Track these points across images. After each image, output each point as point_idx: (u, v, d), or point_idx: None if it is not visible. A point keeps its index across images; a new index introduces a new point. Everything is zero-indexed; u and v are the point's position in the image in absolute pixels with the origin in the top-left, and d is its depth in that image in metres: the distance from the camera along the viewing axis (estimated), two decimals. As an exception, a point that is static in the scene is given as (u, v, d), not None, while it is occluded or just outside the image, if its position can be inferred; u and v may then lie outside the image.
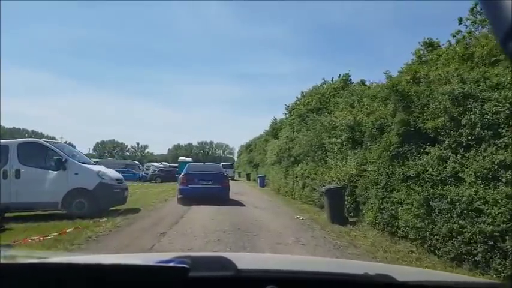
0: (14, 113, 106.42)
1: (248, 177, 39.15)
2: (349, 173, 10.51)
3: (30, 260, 1.31)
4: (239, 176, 49.87)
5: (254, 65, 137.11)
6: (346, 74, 16.65)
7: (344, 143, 11.44)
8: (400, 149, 7.97)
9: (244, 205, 13.98)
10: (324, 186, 11.99)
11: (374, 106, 10.43)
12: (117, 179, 10.90)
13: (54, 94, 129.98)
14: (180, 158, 32.73)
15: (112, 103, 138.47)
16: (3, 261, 1.10)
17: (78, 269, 1.04)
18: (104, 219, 9.12)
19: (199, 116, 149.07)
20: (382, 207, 8.55)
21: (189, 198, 13.00)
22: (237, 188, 24.01)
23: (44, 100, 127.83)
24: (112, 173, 11.17)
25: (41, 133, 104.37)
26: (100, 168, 10.74)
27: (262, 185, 27.37)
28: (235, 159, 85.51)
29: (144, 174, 36.96)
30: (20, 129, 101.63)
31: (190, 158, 32.59)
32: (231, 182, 32.75)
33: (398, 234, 7.89)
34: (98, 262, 1.18)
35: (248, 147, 43.43)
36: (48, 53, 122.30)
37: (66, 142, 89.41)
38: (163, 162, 67.67)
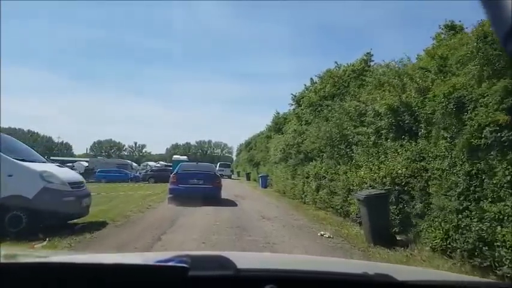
0: (12, 113, 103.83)
1: (248, 177, 36.02)
2: (394, 172, 7.45)
3: (31, 259, 1.31)
4: (238, 176, 46.87)
5: (254, 64, 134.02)
6: (368, 53, 13.60)
7: (383, 133, 8.37)
8: (500, 134, 4.90)
9: (247, 213, 10.92)
10: (353, 190, 8.95)
11: (427, 81, 7.40)
12: (73, 183, 7.76)
13: (52, 94, 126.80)
14: (175, 156, 29.29)
15: (110, 103, 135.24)
16: (3, 260, 1.09)
17: (78, 269, 1.03)
18: (41, 244, 6.03)
19: (197, 115, 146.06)
20: (461, 224, 5.50)
21: (180, 198, 12.13)
22: (237, 189, 20.99)
23: (42, 100, 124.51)
24: (66, 174, 8.03)
25: (37, 133, 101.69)
26: (46, 167, 7.58)
27: (265, 185, 24.29)
28: (234, 158, 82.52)
29: (136, 174, 33.77)
30: (15, 128, 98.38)
31: (185, 157, 29.29)
32: (229, 181, 29.66)
33: (498, 273, 4.83)
34: (98, 262, 1.20)
35: (248, 145, 40.31)
36: (47, 53, 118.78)
37: (62, 142, 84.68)
38: (161, 162, 64.58)
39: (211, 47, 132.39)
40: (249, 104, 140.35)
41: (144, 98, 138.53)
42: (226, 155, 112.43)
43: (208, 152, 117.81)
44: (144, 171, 34.12)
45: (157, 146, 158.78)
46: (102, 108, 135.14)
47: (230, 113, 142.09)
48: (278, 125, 23.97)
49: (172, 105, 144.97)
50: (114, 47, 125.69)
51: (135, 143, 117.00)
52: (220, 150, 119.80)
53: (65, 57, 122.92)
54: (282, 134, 20.74)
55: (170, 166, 33.81)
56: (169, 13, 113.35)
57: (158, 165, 44.35)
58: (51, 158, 63.24)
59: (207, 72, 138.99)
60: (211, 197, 12.62)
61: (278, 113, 25.52)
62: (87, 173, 34.79)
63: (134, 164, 54.92)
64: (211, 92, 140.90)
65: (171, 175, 13.99)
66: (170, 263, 1.13)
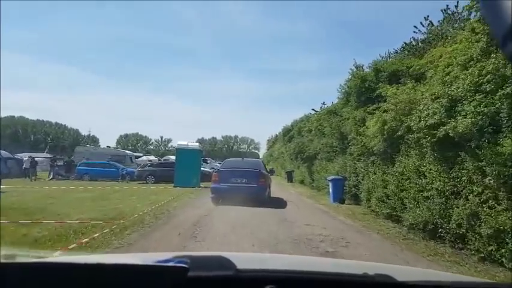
0: (45, 107, 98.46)
1: (290, 178, 23.44)
2: None
3: (31, 259, 1.24)
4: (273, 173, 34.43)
5: (280, 61, 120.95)
6: None
7: None
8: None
9: None
10: None
11: None
12: None
13: (83, 89, 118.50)
14: (179, 143, 17.07)
15: (138, 98, 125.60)
16: (3, 260, 1.01)
17: (78, 269, 0.95)
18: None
19: (223, 110, 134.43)
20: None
21: (221, 198, 10.48)
22: (302, 215, 8.68)
23: (73, 95, 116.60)
24: None
25: (65, 125, 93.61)
26: None
27: (339, 197, 11.79)
28: (261, 154, 70.42)
29: (130, 169, 21.73)
30: (43, 121, 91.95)
31: (197, 144, 17.12)
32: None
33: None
34: (98, 262, 1.10)
35: (287, 134, 27.70)
36: (79, 50, 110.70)
37: (89, 135, 74.52)
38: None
39: (237, 45, 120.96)
40: (275, 101, 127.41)
41: (172, 95, 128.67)
42: (253, 151, 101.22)
43: (235, 147, 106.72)
44: (140, 166, 22.09)
45: (183, 140, 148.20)
46: (130, 103, 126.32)
47: (257, 109, 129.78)
48: (368, 80, 11.31)
49: (198, 100, 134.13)
50: (144, 45, 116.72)
51: (161, 137, 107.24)
52: (246, 145, 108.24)
53: (97, 56, 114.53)
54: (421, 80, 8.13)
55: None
56: (195, 11, 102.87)
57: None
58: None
59: (233, 69, 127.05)
60: (256, 197, 10.23)
61: (357, 66, 12.84)
62: (67, 166, 23.29)
63: (148, 157, 43.53)
64: (237, 89, 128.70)
65: (214, 173, 12.04)
66: (170, 264, 1.05)
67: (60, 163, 24.06)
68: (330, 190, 11.94)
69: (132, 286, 0.91)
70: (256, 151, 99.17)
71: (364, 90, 11.92)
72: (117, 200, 10.53)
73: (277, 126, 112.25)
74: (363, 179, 10.79)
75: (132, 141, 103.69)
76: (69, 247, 4.75)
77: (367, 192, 10.20)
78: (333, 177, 12.00)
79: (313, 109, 22.36)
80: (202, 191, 14.86)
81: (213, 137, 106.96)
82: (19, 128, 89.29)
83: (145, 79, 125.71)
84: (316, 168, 16.85)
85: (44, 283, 0.89)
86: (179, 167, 16.08)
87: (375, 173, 9.69)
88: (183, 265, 0.95)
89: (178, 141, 16.94)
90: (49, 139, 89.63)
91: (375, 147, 9.08)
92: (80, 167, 21.94)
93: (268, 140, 51.98)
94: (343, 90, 13.09)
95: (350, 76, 13.43)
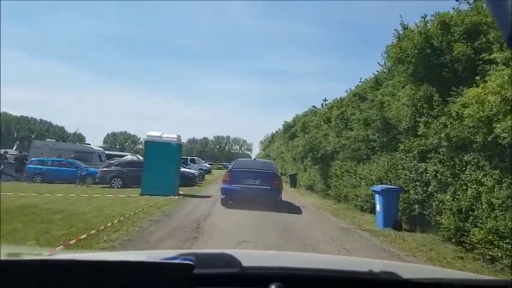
0: (31, 102, 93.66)
1: (293, 182, 18.89)
2: None
3: (35, 257, 1.20)
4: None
5: (279, 61, 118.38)
6: None
7: None
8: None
9: None
10: None
11: None
12: None
13: (72, 86, 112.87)
14: (149, 133, 12.80)
15: (128, 97, 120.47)
16: (7, 258, 0.99)
17: (82, 266, 0.92)
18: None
19: (216, 110, 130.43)
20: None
21: (232, 199, 9.93)
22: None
23: (62, 92, 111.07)
24: None
25: (50, 122, 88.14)
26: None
27: (393, 219, 7.25)
28: (253, 155, 65.97)
29: (92, 169, 16.86)
30: (27, 117, 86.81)
31: (175, 136, 12.48)
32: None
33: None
34: (103, 259, 1.09)
35: (288, 130, 23.17)
36: (68, 46, 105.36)
37: (76, 133, 67.36)
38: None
39: (232, 45, 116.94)
40: (272, 102, 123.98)
41: (164, 94, 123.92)
42: (246, 152, 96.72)
43: (226, 148, 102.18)
44: (105, 165, 17.05)
45: (155, 132, 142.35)
46: (119, 102, 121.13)
47: (251, 110, 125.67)
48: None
49: (191, 101, 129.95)
50: (137, 42, 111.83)
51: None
52: (238, 146, 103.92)
53: (87, 52, 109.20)
54: None
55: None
56: (193, 10, 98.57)
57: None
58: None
59: (229, 69, 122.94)
60: (269, 200, 9.55)
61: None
62: (19, 164, 18.32)
63: (133, 156, 38.45)
64: (229, 89, 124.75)
65: (225, 173, 10.93)
66: (175, 261, 1.01)
67: (12, 161, 19.09)
68: (378, 207, 7.38)
69: (137, 283, 0.87)
70: (249, 152, 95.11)
71: (430, 53, 7.48)
72: (21, 223, 5.81)
73: (270, 127, 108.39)
74: (441, 192, 6.30)
75: (120, 140, 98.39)
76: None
77: (457, 216, 5.72)
78: (383, 186, 7.43)
79: (313, 106, 18.88)
80: (180, 202, 10.13)
81: (204, 137, 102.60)
82: (1, 124, 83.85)
83: (138, 77, 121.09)
84: (335, 172, 12.35)
85: (48, 281, 0.84)
86: (149, 168, 11.33)
87: (480, 183, 5.22)
88: (189, 262, 0.91)
89: (149, 133, 12.01)
90: (33, 136, 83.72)
91: (502, 134, 4.57)
92: (30, 166, 17.04)
93: (261, 142, 47.46)
94: (391, 56, 8.54)
95: (395, 40, 9.00)
